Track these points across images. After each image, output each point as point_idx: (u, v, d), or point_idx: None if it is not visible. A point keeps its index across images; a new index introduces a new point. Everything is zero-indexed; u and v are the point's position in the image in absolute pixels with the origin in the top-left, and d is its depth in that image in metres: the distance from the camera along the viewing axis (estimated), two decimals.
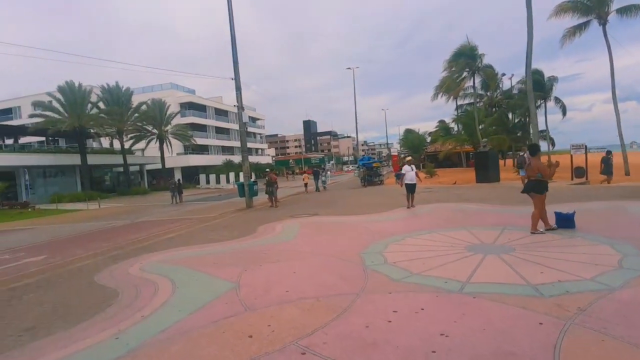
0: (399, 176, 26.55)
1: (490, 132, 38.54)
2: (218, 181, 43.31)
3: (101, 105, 35.62)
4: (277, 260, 6.47)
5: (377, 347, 3.18)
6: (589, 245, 6.09)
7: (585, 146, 18.25)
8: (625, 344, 2.97)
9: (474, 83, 33.72)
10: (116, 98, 36.45)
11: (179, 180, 27.01)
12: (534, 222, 7.19)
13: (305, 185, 25.36)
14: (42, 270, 7.23)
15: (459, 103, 43.46)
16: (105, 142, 42.30)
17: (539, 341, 3.10)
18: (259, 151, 76.27)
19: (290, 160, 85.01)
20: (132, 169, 40.61)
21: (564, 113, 39.17)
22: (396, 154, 50.14)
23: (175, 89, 55.86)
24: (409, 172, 11.81)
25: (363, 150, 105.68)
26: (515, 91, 41.78)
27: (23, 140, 38.46)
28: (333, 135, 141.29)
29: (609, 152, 16.26)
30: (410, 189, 11.77)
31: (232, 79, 16.89)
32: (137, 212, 19.45)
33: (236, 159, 55.75)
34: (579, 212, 7.66)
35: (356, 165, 72.34)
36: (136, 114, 37.69)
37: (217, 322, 3.95)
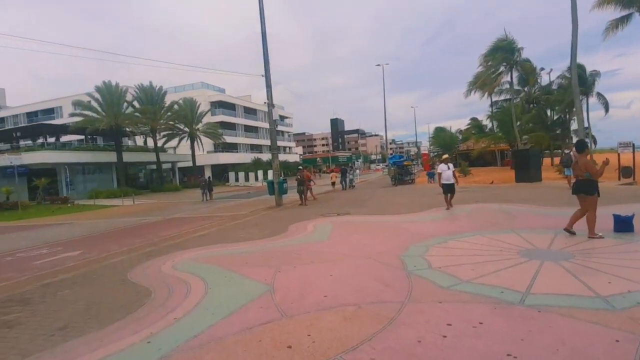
0: (431, 175, 25.93)
1: (528, 129, 36.78)
2: (247, 179, 43.70)
3: (136, 104, 36.68)
4: (311, 262, 6.16)
5: None
6: None
7: (633, 144, 16.89)
8: None
9: (511, 78, 32.18)
10: (150, 97, 37.41)
11: (209, 177, 27.33)
12: (590, 227, 6.54)
13: (333, 183, 25.27)
14: (77, 266, 7.26)
15: (494, 99, 41.80)
16: (139, 141, 43.59)
17: None
18: (287, 149, 76.63)
19: (318, 159, 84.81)
20: (164, 166, 41.66)
21: (607, 110, 36.81)
22: (426, 152, 48.95)
23: (205, 88, 56.91)
24: (445, 171, 11.07)
25: (391, 148, 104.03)
26: (554, 86, 39.67)
27: (64, 138, 40.20)
28: (360, 133, 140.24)
29: None
30: (447, 189, 11.07)
31: (263, 76, 16.77)
32: (169, 209, 19.76)
33: (264, 157, 56.22)
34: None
35: (385, 164, 71.34)
36: (168, 113, 38.58)
37: (252, 328, 3.67)
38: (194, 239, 9.29)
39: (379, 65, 47.35)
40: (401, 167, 25.20)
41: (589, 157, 7.11)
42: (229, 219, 13.23)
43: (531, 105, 40.48)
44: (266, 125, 65.63)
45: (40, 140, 35.67)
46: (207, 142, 47.70)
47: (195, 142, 42.41)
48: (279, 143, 64.81)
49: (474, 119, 56.38)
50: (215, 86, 60.38)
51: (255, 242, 8.32)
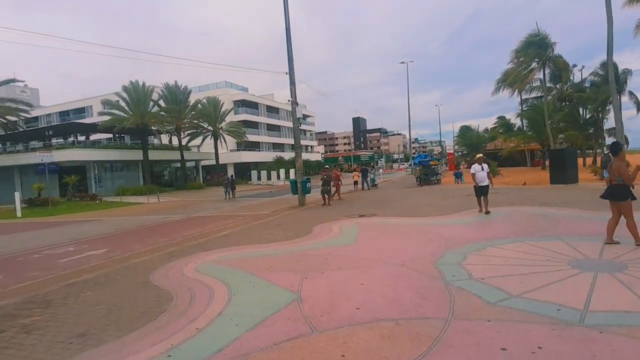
0: (458, 175, 25.05)
1: (560, 128, 35.14)
2: (269, 177, 43.78)
3: (161, 103, 37.29)
4: (339, 268, 5.80)
5: None
6: None
7: None
8: None
9: (543, 75, 30.73)
10: (175, 96, 37.96)
11: (232, 176, 27.40)
12: (634, 234, 5.96)
13: (355, 183, 24.85)
14: (101, 265, 7.17)
15: (523, 97, 40.17)
16: (164, 139, 44.35)
17: None
18: (309, 148, 76.50)
19: (340, 158, 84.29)
20: (188, 164, 42.25)
21: (639, 109, 34.67)
22: (452, 152, 47.64)
23: (229, 87, 57.43)
24: (479, 172, 10.30)
25: (414, 148, 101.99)
26: (587, 84, 37.77)
27: (94, 137, 41.36)
28: (383, 132, 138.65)
29: None
30: (481, 191, 10.33)
31: (286, 73, 16.51)
32: (192, 207, 19.83)
33: (286, 155, 56.29)
34: None
35: (408, 163, 70.13)
36: (193, 112, 39.06)
37: (280, 344, 3.35)
38: (217, 239, 9.10)
39: (403, 62, 46.80)
40: (427, 166, 24.46)
41: (623, 159, 6.49)
42: (252, 218, 13.05)
43: (563, 104, 38.69)
44: (288, 124, 65.92)
45: (71, 139, 36.76)
46: (230, 141, 48.09)
47: (219, 141, 42.78)
48: (301, 142, 64.81)
49: (501, 118, 54.51)
50: (239, 85, 60.87)
51: (280, 244, 8.03)
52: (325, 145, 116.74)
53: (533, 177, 23.24)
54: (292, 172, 44.39)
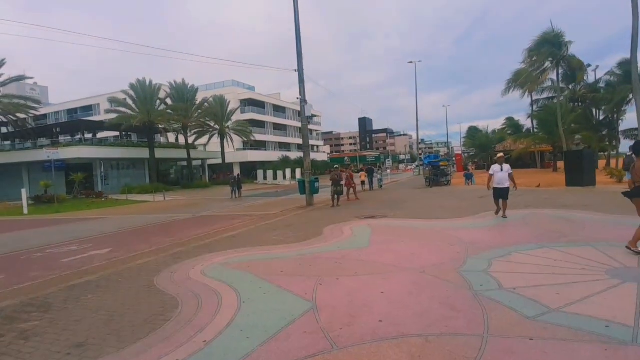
0: (469, 177, 24.55)
1: (573, 129, 34.40)
2: (275, 177, 43.48)
3: (168, 101, 37.15)
4: (355, 273, 5.43)
5: None
6: None
7: None
8: None
9: (557, 75, 30.06)
10: (182, 95, 37.81)
11: (238, 175, 27.12)
12: None
13: (363, 182, 24.52)
14: (104, 267, 6.87)
15: (534, 98, 39.46)
16: (171, 138, 44.25)
17: None
18: (315, 148, 76.13)
19: (346, 158, 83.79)
20: (194, 163, 42.11)
21: None
22: (460, 153, 47.00)
23: (235, 86, 57.26)
24: (498, 174, 9.70)
25: (420, 148, 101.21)
26: (601, 84, 36.93)
27: (101, 135, 41.38)
28: (389, 132, 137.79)
29: None
30: (500, 194, 9.68)
31: (295, 71, 16.18)
32: (198, 206, 19.57)
33: (292, 155, 56.02)
34: None
35: (415, 164, 69.50)
36: (199, 110, 38.88)
37: None
38: (223, 240, 8.78)
39: (411, 62, 46.06)
40: (437, 167, 23.98)
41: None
42: (259, 218, 12.73)
43: (576, 104, 37.93)
44: (295, 123, 65.65)
45: (78, 136, 36.75)
46: (236, 140, 47.89)
47: (225, 140, 42.58)
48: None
49: (509, 119, 53.78)
50: (245, 84, 60.69)
51: (290, 246, 7.69)
52: (331, 146, 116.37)
53: (546, 179, 22.69)
54: (298, 171, 44.10)
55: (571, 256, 5.66)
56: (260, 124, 57.81)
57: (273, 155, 54.31)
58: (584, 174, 16.59)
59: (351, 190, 17.14)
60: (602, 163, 37.35)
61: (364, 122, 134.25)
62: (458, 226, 8.87)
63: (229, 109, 43.20)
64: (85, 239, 10.77)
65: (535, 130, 39.12)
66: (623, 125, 37.15)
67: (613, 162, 35.45)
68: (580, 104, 37.78)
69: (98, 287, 5.55)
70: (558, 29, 27.24)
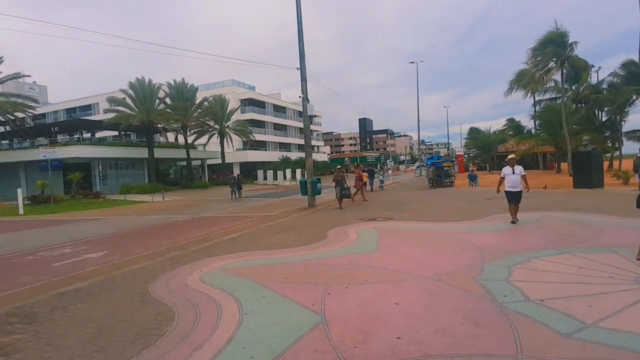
0: (473, 178, 24.18)
1: (576, 130, 34.07)
2: (275, 177, 43.08)
3: (168, 101, 36.77)
4: (365, 281, 5.06)
5: None
6: None
7: None
8: None
9: (561, 75, 29.70)
10: (181, 94, 37.41)
11: (238, 175, 26.73)
12: None
13: (365, 183, 24.15)
14: (97, 272, 6.49)
15: (537, 99, 39.12)
16: (170, 137, 43.86)
17: None
18: (316, 148, 75.73)
19: (346, 159, 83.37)
20: (194, 163, 41.69)
21: None
22: (462, 154, 46.63)
23: (235, 86, 56.87)
24: (510, 176, 9.08)
25: (420, 149, 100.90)
26: (604, 85, 36.62)
27: (100, 134, 40.98)
28: (389, 133, 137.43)
29: None
30: (512, 198, 8.98)
31: (297, 69, 15.81)
32: (197, 207, 19.19)
33: (293, 155, 55.64)
34: None
35: (415, 165, 69.08)
36: (199, 110, 38.48)
37: None
38: (223, 243, 8.40)
39: (412, 62, 45.84)
40: (440, 168, 23.60)
41: None
42: (259, 220, 12.35)
43: (579, 105, 37.60)
44: (295, 123, 65.27)
45: (77, 136, 36.35)
46: (236, 140, 47.49)
47: (225, 140, 42.17)
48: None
49: (510, 120, 53.47)
50: (245, 84, 60.32)
51: (293, 250, 7.31)
52: (331, 146, 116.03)
53: (551, 180, 22.32)
54: (298, 172, 43.72)
55: (595, 263, 5.30)
56: (261, 124, 57.42)
57: (273, 156, 53.90)
58: (592, 175, 16.23)
59: (358, 190, 16.77)
60: (605, 165, 37.02)
61: (364, 123, 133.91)
62: (468, 229, 8.50)
63: (228, 108, 42.78)
64: (80, 240, 10.39)
65: (537, 131, 38.79)
66: (626, 127, 36.89)
67: (616, 163, 35.14)
68: (583, 105, 37.47)
69: (89, 295, 5.17)
70: (563, 29, 26.89)
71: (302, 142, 61.41)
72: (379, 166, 50.33)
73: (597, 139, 32.78)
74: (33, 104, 32.01)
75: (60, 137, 37.29)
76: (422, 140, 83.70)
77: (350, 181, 16.54)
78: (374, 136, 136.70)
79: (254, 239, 8.77)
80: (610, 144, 38.12)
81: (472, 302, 4.07)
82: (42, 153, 21.83)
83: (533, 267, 5.29)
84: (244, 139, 46.97)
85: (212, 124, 41.51)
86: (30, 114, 34.31)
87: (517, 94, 38.79)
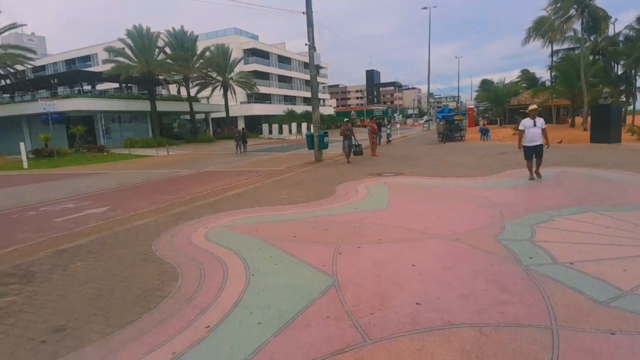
0: (485, 132, 23.43)
1: (592, 83, 32.52)
2: (280, 131, 42.40)
3: (167, 50, 35.35)
4: (378, 240, 4.78)
5: None
6: None
7: None
8: None
9: (582, 24, 27.83)
10: (181, 43, 35.88)
11: (243, 129, 26.17)
12: None
13: None
14: (99, 228, 6.30)
15: (554, 49, 37.03)
16: (173, 90, 42.75)
17: None
18: (321, 101, 73.96)
19: (352, 112, 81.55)
20: (197, 116, 40.91)
21: None
22: (472, 107, 45.18)
23: (238, 34, 54.36)
24: (530, 129, 8.36)
25: (429, 103, 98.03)
26: (620, 38, 34.55)
27: (100, 86, 39.95)
28: (397, 86, 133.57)
29: None
30: (532, 152, 8.30)
31: (303, 13, 14.72)
32: (202, 161, 18.90)
33: (298, 109, 54.39)
34: None
35: (423, 119, 67.46)
36: (201, 60, 37.10)
37: None
38: (228, 199, 8.15)
39: (425, 8, 43.04)
40: (451, 122, 22.81)
41: None
42: (265, 174, 12.05)
43: (596, 57, 35.61)
44: (301, 75, 63.15)
45: (77, 88, 35.47)
46: (240, 93, 46.27)
47: (229, 92, 41.03)
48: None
49: (524, 71, 51.05)
50: (248, 32, 57.65)
51: (300, 206, 7.04)
52: (337, 99, 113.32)
53: (565, 134, 21.55)
54: (304, 126, 42.90)
55: (624, 222, 4.95)
56: (265, 76, 55.57)
57: (278, 109, 52.73)
58: (611, 130, 15.52)
59: (372, 144, 16.32)
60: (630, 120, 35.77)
61: (372, 75, 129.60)
62: (484, 185, 8.12)
63: (231, 58, 41.11)
64: (83, 195, 10.22)
65: (552, 83, 37.15)
66: None
67: (629, 118, 33.99)
68: (600, 57, 35.53)
69: (89, 252, 4.97)
70: None
71: (307, 94, 59.78)
72: (385, 120, 49.12)
73: (613, 92, 31.40)
74: (32, 55, 30.95)
75: (60, 90, 36.45)
76: (431, 94, 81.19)
77: (359, 135, 15.99)
78: (381, 89, 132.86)
79: (260, 195, 8.50)
80: (624, 99, 36.62)
81: (495, 265, 3.78)
82: (42, 105, 21.28)
83: (557, 226, 4.96)
84: (248, 92, 45.74)
85: (214, 75, 40.19)
86: (30, 66, 33.37)
87: (531, 44, 36.80)
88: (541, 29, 31.73)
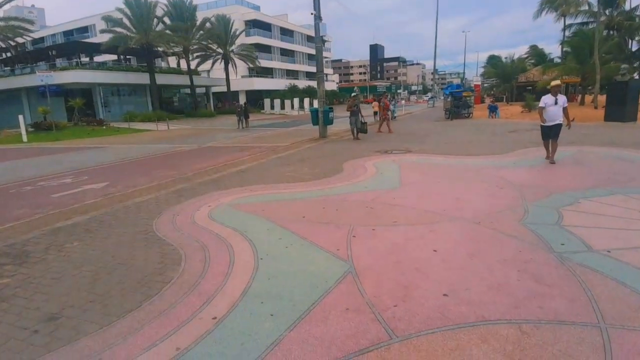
0: (493, 109, 22.82)
1: (606, 59, 31.46)
2: (283, 107, 41.62)
3: (167, 21, 34.19)
4: (394, 222, 4.49)
5: None
6: None
7: None
8: None
9: None
10: (180, 13, 34.66)
11: (245, 103, 25.56)
12: None
13: (375, 113, 23.24)
14: (97, 205, 6.01)
15: (567, 23, 35.69)
16: (172, 63, 41.68)
17: None
18: (325, 77, 72.49)
19: (355, 88, 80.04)
20: (198, 90, 40.03)
21: None
22: (479, 83, 44.08)
23: (239, 4, 52.58)
24: (551, 107, 7.72)
25: (433, 79, 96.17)
26: (638, 12, 33.13)
27: (99, 59, 38.92)
28: (401, 61, 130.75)
29: None
30: (550, 132, 7.68)
31: None
32: (204, 136, 18.48)
33: (301, 84, 53.28)
34: None
35: (427, 95, 66.24)
36: (201, 32, 35.91)
37: None
38: (232, 176, 7.84)
39: None
40: (459, 98, 22.16)
41: None
42: (269, 150, 11.69)
43: (610, 33, 34.30)
44: (303, 49, 61.52)
45: (76, 60, 34.55)
46: (241, 66, 45.14)
47: (230, 65, 39.98)
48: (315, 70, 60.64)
49: (533, 47, 49.44)
50: (250, 2, 55.76)
51: (308, 184, 6.72)
52: (340, 74, 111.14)
53: (576, 112, 20.90)
54: (306, 101, 42.01)
55: None
56: (267, 49, 54.09)
57: (280, 84, 51.60)
58: (627, 107, 14.97)
59: (384, 120, 15.85)
60: None
61: (375, 50, 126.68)
62: (499, 164, 7.77)
63: (232, 30, 39.83)
64: (82, 170, 9.91)
65: (563, 60, 36.03)
66: None
67: None
68: (614, 32, 34.21)
69: (87, 231, 4.70)
70: None
71: (310, 69, 58.37)
72: (389, 96, 48.12)
73: (629, 69, 30.46)
74: (29, 27, 29.96)
75: (58, 62, 35.54)
76: (436, 70, 79.49)
77: (365, 111, 15.49)
78: (385, 64, 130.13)
79: (264, 172, 8.18)
80: (638, 76, 35.57)
81: (524, 252, 3.49)
82: (39, 77, 20.66)
83: (585, 209, 4.65)
84: (250, 65, 44.53)
85: (215, 47, 39.02)
86: (30, 38, 32.44)
87: (543, 17, 35.39)
88: (555, 1, 30.42)
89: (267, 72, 53.70)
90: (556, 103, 7.68)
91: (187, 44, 33.98)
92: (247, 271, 3.34)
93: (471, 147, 10.37)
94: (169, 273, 3.38)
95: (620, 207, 4.68)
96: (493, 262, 3.30)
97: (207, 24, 36.75)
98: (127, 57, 38.60)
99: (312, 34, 14.79)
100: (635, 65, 34.40)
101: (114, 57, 37.48)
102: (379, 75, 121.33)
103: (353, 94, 15.63)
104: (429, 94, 62.80)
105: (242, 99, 40.02)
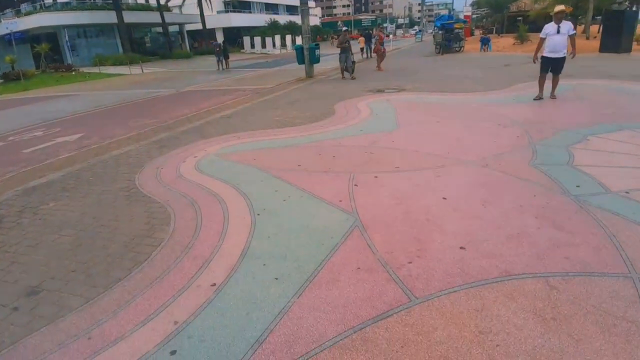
0: (485, 41, 21.86)
1: None
2: (264, 45, 39.25)
3: None
4: (396, 168, 4.21)
5: None
6: None
7: None
8: None
9: None
10: None
11: (223, 42, 23.83)
12: None
13: (362, 49, 22.23)
14: (72, 159, 5.54)
15: None
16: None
17: None
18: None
19: (339, 22, 75.63)
20: (171, 29, 37.15)
21: None
22: (469, 14, 41.93)
23: None
24: (552, 37, 6.84)
25: (418, 11, 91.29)
26: None
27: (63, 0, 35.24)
28: None
29: None
30: (550, 65, 7.00)
31: None
32: (181, 79, 17.34)
33: (281, 19, 49.95)
34: None
35: (414, 30, 63.19)
36: None
37: (365, 330, 1.93)
38: (217, 122, 7.32)
39: None
40: (450, 31, 21.02)
41: None
42: (254, 93, 11.00)
43: None
44: None
45: (40, 2, 31.19)
46: (216, 1, 41.71)
47: (204, 0, 36.82)
48: (296, 3, 56.45)
49: None
50: None
51: (299, 129, 6.31)
52: (322, 8, 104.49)
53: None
54: (288, 38, 39.64)
55: None
56: None
57: (260, 19, 48.25)
58: (622, 38, 14.41)
59: (380, 56, 14.97)
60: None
61: None
62: (498, 101, 7.42)
63: None
64: (53, 121, 9.18)
65: None
66: None
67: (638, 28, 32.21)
68: None
69: (63, 189, 4.31)
70: None
71: (291, 1, 54.38)
72: (374, 30, 45.71)
73: None
74: None
75: (23, 7, 32.10)
76: (422, 1, 75.17)
77: (356, 47, 14.55)
78: None
79: (251, 117, 7.66)
80: (629, 6, 34.27)
81: (540, 196, 3.28)
82: (5, 25, 18.61)
83: (595, 147, 4.43)
84: None
85: None
86: None
87: None
88: None
89: (245, 7, 50.01)
90: (559, 32, 7.00)
91: None
92: (244, 229, 3.07)
93: (467, 84, 9.91)
94: (157, 234, 3.09)
95: (631, 143, 4.47)
96: (508, 209, 3.09)
97: None
98: None
99: None
100: None
101: None
102: (363, 8, 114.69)
103: (345, 28, 14.48)
104: (416, 27, 59.97)
105: (220, 38, 37.51)
